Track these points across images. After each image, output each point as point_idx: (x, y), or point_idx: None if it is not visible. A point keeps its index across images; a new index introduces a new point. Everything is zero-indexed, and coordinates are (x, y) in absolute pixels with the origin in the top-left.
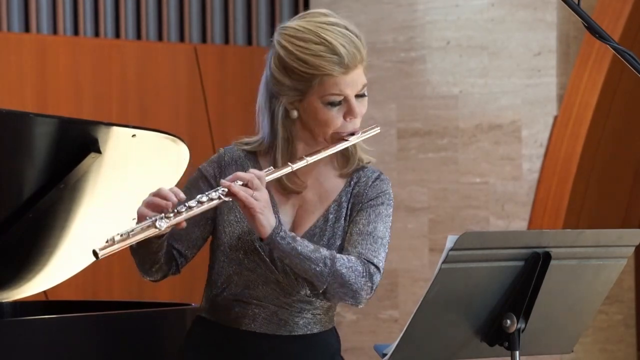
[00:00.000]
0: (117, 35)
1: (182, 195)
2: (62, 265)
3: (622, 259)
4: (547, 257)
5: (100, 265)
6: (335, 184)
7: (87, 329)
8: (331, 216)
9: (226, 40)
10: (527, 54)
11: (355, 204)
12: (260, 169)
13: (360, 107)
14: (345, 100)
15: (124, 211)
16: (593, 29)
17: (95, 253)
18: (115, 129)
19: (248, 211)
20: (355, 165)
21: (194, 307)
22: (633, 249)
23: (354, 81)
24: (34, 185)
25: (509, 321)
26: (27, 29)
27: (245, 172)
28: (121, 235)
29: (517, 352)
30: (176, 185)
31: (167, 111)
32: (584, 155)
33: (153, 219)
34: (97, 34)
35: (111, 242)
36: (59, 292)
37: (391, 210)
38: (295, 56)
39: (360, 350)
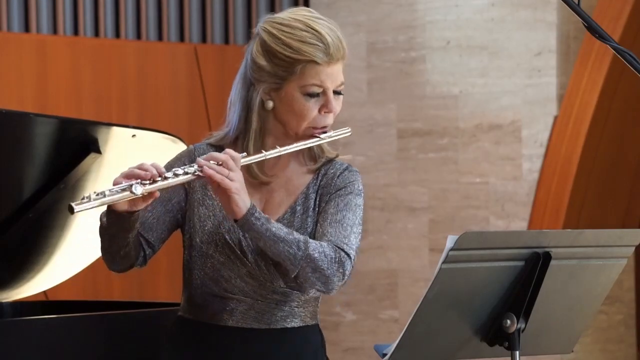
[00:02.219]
0: (117, 35)
1: (163, 170)
2: (62, 265)
3: (622, 259)
4: (547, 257)
5: (100, 265)
6: (303, 179)
7: (87, 329)
8: (299, 208)
9: (226, 40)
10: (527, 54)
11: (324, 194)
12: None
13: (336, 104)
14: (324, 93)
15: None
16: (593, 29)
17: (70, 208)
18: (115, 129)
19: (223, 192)
20: (324, 160)
21: None
22: (633, 249)
23: (335, 74)
24: (34, 185)
25: (509, 321)
26: (27, 29)
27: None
28: (97, 194)
29: (517, 352)
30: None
31: (167, 111)
32: (584, 155)
33: (129, 183)
34: (97, 34)
35: (87, 199)
36: (59, 292)
37: (361, 200)
38: (280, 40)
39: (360, 350)
